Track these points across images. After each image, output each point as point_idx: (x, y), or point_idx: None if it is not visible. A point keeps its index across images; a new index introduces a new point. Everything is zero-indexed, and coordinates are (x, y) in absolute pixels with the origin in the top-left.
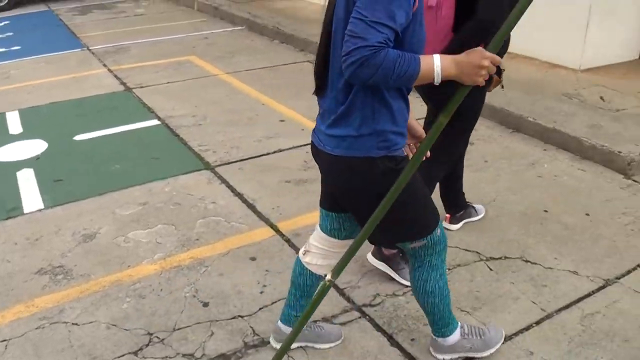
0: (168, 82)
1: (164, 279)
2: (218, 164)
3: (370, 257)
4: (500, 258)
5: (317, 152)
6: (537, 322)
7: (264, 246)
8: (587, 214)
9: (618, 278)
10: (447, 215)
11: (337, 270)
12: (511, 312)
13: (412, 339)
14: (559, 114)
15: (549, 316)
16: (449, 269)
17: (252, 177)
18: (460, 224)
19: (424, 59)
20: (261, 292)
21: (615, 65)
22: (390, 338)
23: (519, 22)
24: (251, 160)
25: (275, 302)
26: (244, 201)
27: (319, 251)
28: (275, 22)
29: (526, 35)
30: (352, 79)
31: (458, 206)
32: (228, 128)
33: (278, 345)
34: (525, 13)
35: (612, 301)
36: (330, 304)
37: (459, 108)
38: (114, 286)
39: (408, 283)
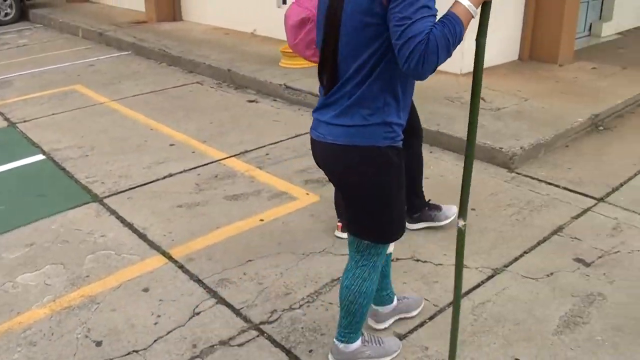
0: (53, 114)
1: (54, 322)
2: (106, 194)
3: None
4: (392, 260)
5: (316, 147)
6: (431, 318)
7: (157, 275)
8: (473, 209)
9: (506, 266)
10: (339, 225)
11: (463, 213)
12: None
13: (310, 350)
14: (443, 117)
15: (441, 311)
16: None
17: (143, 205)
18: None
19: (459, 11)
20: (155, 323)
21: (496, 67)
22: (288, 352)
23: None
24: (141, 188)
25: (171, 331)
26: (135, 231)
27: None
28: (162, 44)
29: None
30: (422, 76)
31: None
32: (116, 157)
33: (380, 327)
34: None
35: (502, 289)
36: (227, 326)
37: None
38: (3, 337)
39: (448, 220)
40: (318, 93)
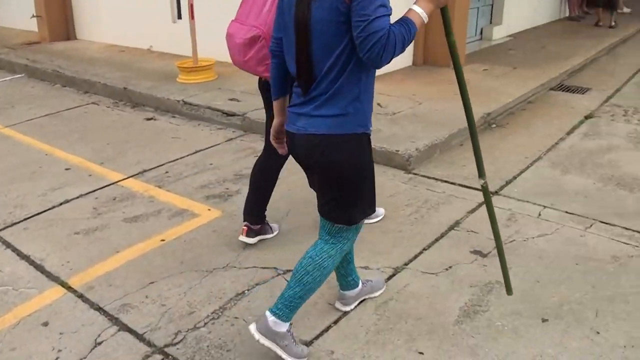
0: None
1: None
2: (1, 227)
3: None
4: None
5: (296, 139)
6: (335, 322)
7: (56, 307)
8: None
9: (406, 264)
10: (245, 228)
11: (482, 171)
12: (310, 317)
13: None
14: None
15: (345, 314)
16: (248, 290)
17: (39, 235)
18: (256, 239)
19: (412, 16)
20: (57, 359)
21: (392, 73)
22: None
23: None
24: (37, 217)
25: None
26: (32, 263)
27: None
28: (56, 65)
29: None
30: (380, 64)
31: (260, 218)
32: (10, 186)
33: (347, 308)
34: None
35: (403, 286)
36: (130, 352)
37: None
38: None
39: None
40: (291, 92)
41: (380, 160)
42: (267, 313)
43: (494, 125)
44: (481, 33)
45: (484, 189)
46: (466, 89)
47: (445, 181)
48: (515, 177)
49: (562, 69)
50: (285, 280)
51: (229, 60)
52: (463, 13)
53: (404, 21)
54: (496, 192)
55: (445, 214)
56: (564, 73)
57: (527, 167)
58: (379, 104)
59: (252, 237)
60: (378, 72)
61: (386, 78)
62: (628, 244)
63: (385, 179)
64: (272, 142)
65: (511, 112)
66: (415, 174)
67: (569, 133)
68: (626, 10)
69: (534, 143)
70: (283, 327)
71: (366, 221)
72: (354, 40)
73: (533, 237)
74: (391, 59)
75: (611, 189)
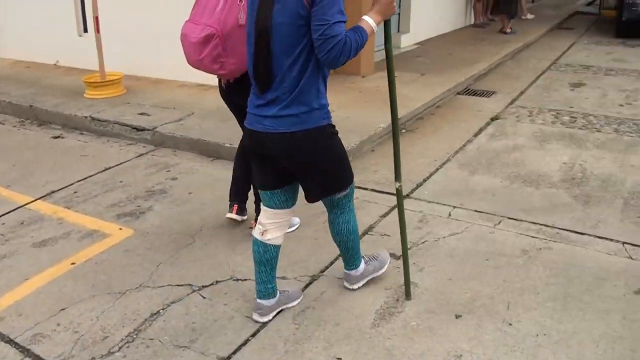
0: None
1: None
2: None
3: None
4: (212, 284)
5: (265, 137)
6: (254, 334)
7: None
8: None
9: (322, 271)
10: (235, 206)
11: (398, 175)
12: (227, 332)
13: None
14: None
15: (264, 325)
16: (163, 309)
17: None
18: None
19: (364, 25)
20: None
21: None
22: None
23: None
24: None
25: None
26: None
27: (275, 226)
28: None
29: (175, 63)
30: (336, 65)
31: (246, 196)
32: None
33: (264, 319)
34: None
35: (320, 293)
36: None
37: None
38: None
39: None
40: (251, 94)
41: None
42: (346, 271)
43: (403, 131)
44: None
45: (398, 192)
46: (395, 92)
47: (358, 187)
48: (425, 180)
49: (468, 74)
50: (201, 296)
51: (138, 73)
52: None
53: (357, 29)
54: (408, 195)
55: (359, 219)
56: (470, 78)
57: (437, 170)
58: None
59: (243, 215)
60: None
61: None
62: (536, 237)
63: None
64: None
65: (420, 117)
66: None
67: (476, 135)
68: (530, 16)
69: (442, 146)
70: (361, 266)
71: None
72: (312, 42)
73: (444, 237)
74: (345, 61)
75: (518, 187)
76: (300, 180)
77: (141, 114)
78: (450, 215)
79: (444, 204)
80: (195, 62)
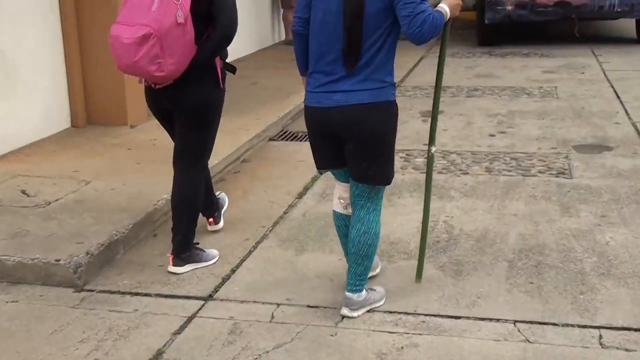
0: None
1: None
2: None
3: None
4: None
5: (332, 111)
6: None
7: None
8: None
9: None
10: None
11: (433, 138)
12: None
13: None
14: None
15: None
16: None
17: None
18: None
19: (442, 10)
20: None
21: (39, 141)
22: None
23: None
24: None
25: None
26: None
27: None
28: None
29: None
30: (424, 39)
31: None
32: None
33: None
34: None
35: None
36: None
37: (214, 103)
38: None
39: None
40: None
41: (33, 278)
42: (349, 294)
43: None
44: None
45: (430, 160)
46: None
47: (137, 293)
48: (234, 270)
49: (282, 110)
50: None
51: None
52: None
53: (438, 12)
54: (210, 296)
55: (141, 343)
56: (286, 116)
57: (250, 253)
58: (23, 192)
59: (182, 266)
60: (15, 144)
61: (28, 152)
62: (394, 332)
63: (43, 306)
64: None
65: (221, 178)
66: (89, 290)
67: (300, 196)
68: None
69: (255, 217)
70: (364, 292)
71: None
72: (391, 22)
73: (267, 351)
74: (430, 38)
75: None
76: (355, 158)
77: None
78: (273, 317)
79: (264, 302)
80: (129, 65)
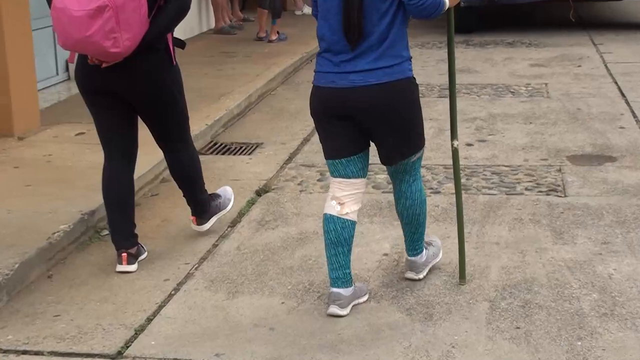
0: None
1: None
2: None
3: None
4: None
5: (349, 93)
6: None
7: None
8: None
9: None
10: (124, 255)
11: (455, 132)
12: None
13: None
14: None
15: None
16: None
17: None
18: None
19: None
20: None
21: None
22: None
23: None
24: None
25: None
26: None
27: (351, 198)
28: None
29: None
30: (429, 15)
31: (135, 237)
32: None
33: (344, 312)
34: None
35: None
36: None
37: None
38: None
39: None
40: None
41: None
42: (411, 258)
43: (104, 233)
44: (67, 69)
45: (455, 154)
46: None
47: (25, 352)
48: (150, 320)
49: (212, 116)
50: None
51: None
52: (23, 43)
53: None
54: (120, 354)
55: None
56: (217, 123)
57: (170, 297)
58: None
59: (134, 264)
60: None
61: None
62: None
63: None
64: None
65: (136, 203)
66: None
67: (233, 224)
68: (307, 10)
69: (177, 252)
70: (424, 252)
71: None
72: None
73: None
74: (435, 16)
75: (312, 307)
76: (381, 140)
77: None
78: None
79: None
80: (79, 41)
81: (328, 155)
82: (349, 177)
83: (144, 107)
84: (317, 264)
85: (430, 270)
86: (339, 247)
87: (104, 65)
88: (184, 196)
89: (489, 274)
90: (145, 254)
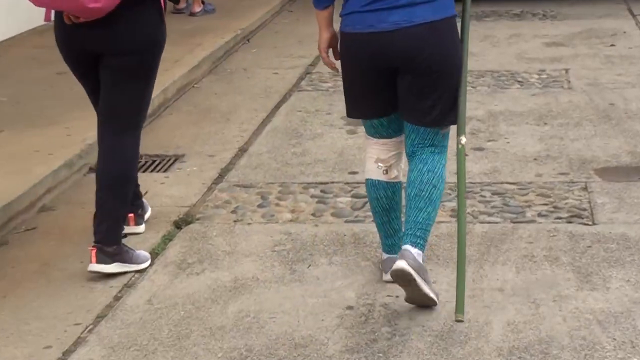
0: None
1: None
2: None
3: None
4: None
5: (391, 38)
6: None
7: None
8: None
9: None
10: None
11: (462, 127)
12: None
13: None
14: None
15: None
16: None
17: None
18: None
19: None
20: None
21: None
22: None
23: None
24: None
25: None
26: None
27: (395, 158)
28: None
29: None
30: None
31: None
32: None
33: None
34: None
35: None
36: None
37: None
38: None
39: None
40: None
41: None
42: (409, 247)
43: None
44: None
45: (460, 151)
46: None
47: None
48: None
49: None
50: None
51: None
52: None
53: None
54: None
55: None
56: None
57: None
58: None
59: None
60: None
61: None
62: None
63: None
64: (326, 62)
65: (5, 240)
66: None
67: (140, 273)
68: None
69: (63, 309)
70: (423, 254)
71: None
72: None
73: None
74: None
75: None
76: (418, 95)
77: None
78: None
79: None
80: None
81: (367, 115)
82: (391, 137)
83: (116, 69)
84: (258, 323)
85: (409, 327)
86: (391, 212)
87: (80, 20)
88: (96, 214)
89: (489, 332)
90: (131, 259)
